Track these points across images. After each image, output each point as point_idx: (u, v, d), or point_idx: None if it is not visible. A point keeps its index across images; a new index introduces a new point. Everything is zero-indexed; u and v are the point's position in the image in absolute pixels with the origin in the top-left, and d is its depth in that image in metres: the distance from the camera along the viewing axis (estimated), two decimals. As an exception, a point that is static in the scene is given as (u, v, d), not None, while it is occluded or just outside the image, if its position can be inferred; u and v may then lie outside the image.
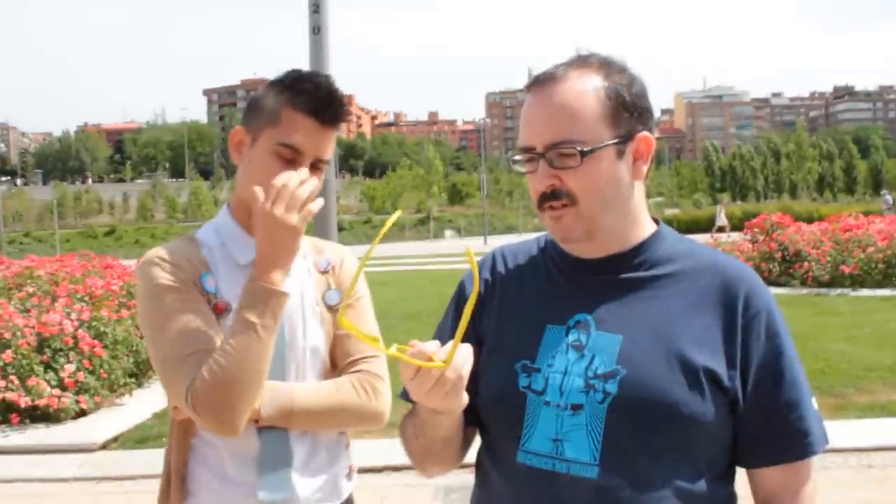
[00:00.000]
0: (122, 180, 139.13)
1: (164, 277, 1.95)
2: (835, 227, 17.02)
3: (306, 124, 1.96)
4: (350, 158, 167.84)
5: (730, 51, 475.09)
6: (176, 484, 2.00)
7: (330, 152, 2.03)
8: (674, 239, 1.68)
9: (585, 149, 1.54)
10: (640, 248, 1.64)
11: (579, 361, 1.57)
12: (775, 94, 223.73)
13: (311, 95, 1.97)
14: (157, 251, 2.02)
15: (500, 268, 1.78)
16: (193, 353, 1.85)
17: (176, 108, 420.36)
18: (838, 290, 14.94)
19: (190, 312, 1.91)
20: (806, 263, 15.51)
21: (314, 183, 1.92)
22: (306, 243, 2.17)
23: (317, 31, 5.91)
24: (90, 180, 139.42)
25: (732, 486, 1.65)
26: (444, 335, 1.69)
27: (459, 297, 1.81)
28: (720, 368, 1.53)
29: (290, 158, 1.95)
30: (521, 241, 1.85)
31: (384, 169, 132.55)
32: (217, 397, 1.80)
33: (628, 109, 1.57)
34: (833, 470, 5.80)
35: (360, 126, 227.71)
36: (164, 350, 1.89)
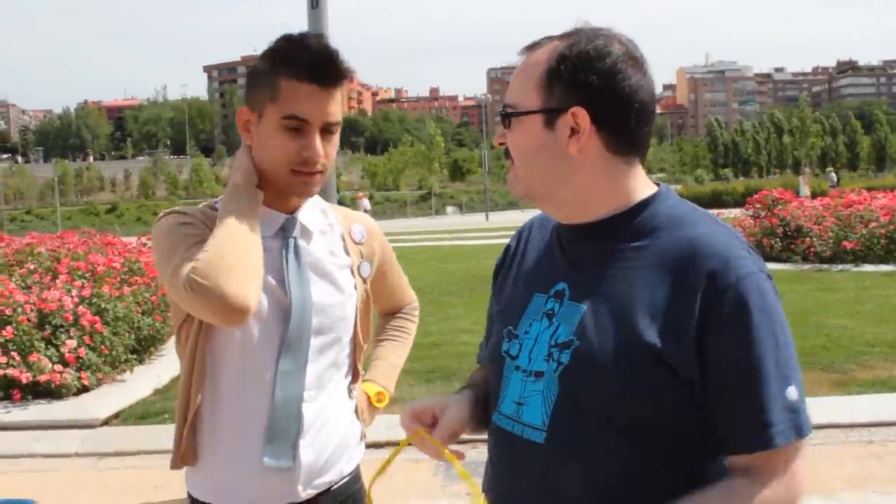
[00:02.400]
0: (123, 157, 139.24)
1: (179, 220, 2.01)
2: (837, 202, 16.97)
3: (306, 91, 1.95)
4: (351, 135, 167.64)
5: (732, 25, 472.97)
6: (188, 443, 2.06)
7: (338, 113, 2.01)
8: (667, 206, 1.61)
9: (509, 111, 1.62)
10: (624, 216, 1.60)
11: (548, 330, 1.59)
12: (778, 69, 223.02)
13: (305, 60, 1.95)
14: (176, 208, 2.08)
15: (524, 238, 1.85)
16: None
17: (176, 85, 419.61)
18: (840, 266, 14.88)
19: (201, 239, 1.93)
20: (808, 239, 15.47)
21: None
22: (335, 212, 2.25)
23: (315, 4, 5.86)
24: (91, 157, 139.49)
25: (697, 470, 1.53)
26: (489, 312, 1.87)
27: (494, 273, 1.91)
28: (670, 349, 1.46)
29: (298, 128, 1.96)
30: None
31: (385, 145, 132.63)
32: (217, 266, 1.82)
33: (563, 82, 1.55)
34: (834, 446, 5.79)
35: (361, 102, 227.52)
36: (173, 262, 1.91)
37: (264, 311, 1.99)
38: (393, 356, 2.48)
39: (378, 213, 59.13)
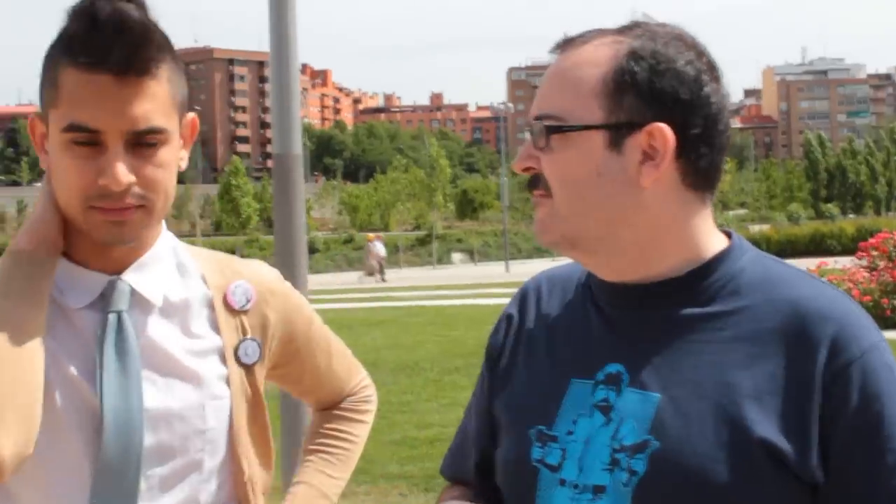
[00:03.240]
0: (16, 183, 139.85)
1: None
2: (983, 249, 16.99)
3: (89, 85, 1.69)
4: (325, 155, 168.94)
5: (839, 11, 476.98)
6: None
7: (153, 115, 1.73)
8: (749, 261, 1.63)
9: (553, 125, 1.57)
10: (697, 274, 1.60)
11: (605, 429, 1.56)
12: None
13: (87, 37, 1.67)
14: None
15: (532, 304, 1.81)
16: None
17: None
18: None
19: None
20: (943, 299, 15.50)
21: None
22: (204, 259, 2.00)
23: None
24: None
25: None
26: (481, 401, 1.85)
27: (490, 353, 1.86)
28: (786, 443, 1.46)
29: (86, 144, 1.70)
30: (566, 264, 1.84)
31: (371, 170, 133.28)
32: None
33: (638, 90, 1.54)
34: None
35: (338, 112, 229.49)
36: None
37: (65, 427, 1.74)
38: (320, 479, 2.16)
39: (360, 260, 59.28)
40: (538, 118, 1.59)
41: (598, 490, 1.53)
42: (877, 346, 1.50)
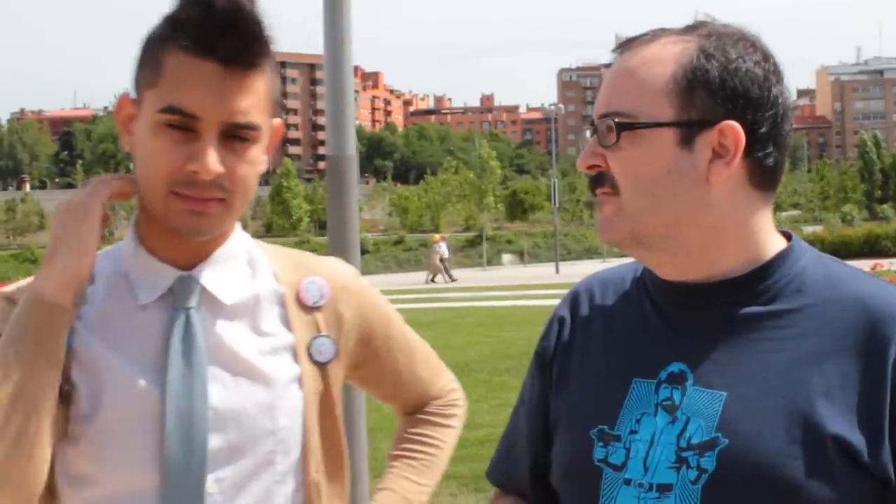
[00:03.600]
0: (70, 185, 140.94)
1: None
2: None
3: (196, 70, 1.67)
4: (376, 157, 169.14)
5: (894, 12, 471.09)
6: None
7: (252, 111, 1.72)
8: (809, 261, 1.64)
9: (626, 122, 1.58)
10: (759, 273, 1.61)
11: (670, 427, 1.58)
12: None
13: (200, 22, 1.65)
14: (20, 284, 1.85)
15: (584, 306, 1.83)
16: None
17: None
18: None
19: None
20: None
21: None
22: (276, 256, 1.97)
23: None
24: (28, 185, 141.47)
25: None
26: (532, 403, 1.86)
27: (542, 355, 1.87)
28: (858, 439, 1.47)
29: (184, 127, 1.69)
30: (616, 266, 1.87)
31: (421, 171, 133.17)
32: None
33: (710, 88, 1.55)
34: None
35: (388, 114, 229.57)
36: None
37: (128, 429, 1.73)
38: (404, 485, 2.08)
39: (410, 261, 59.29)
40: (605, 115, 1.60)
41: (665, 489, 1.54)
42: None
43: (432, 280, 44.20)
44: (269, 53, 1.72)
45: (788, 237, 1.68)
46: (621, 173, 1.60)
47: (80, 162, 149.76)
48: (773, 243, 1.64)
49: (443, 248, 45.74)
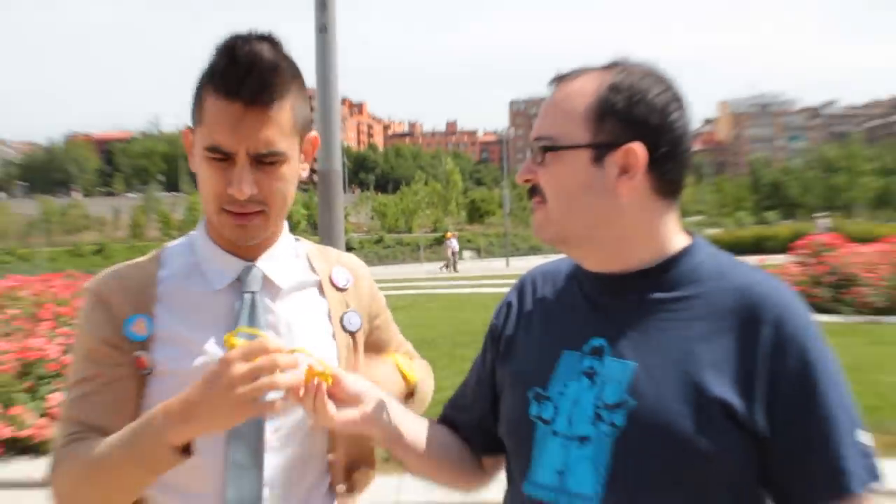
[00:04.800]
0: (111, 193, 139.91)
1: (86, 318, 1.82)
2: (893, 248, 16.90)
3: (228, 112, 1.70)
4: (361, 171, 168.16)
5: (779, 55, 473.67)
6: None
7: (275, 140, 1.73)
8: (706, 256, 1.66)
9: (549, 145, 1.61)
10: (664, 265, 1.64)
11: (590, 390, 1.60)
12: (829, 103, 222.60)
13: (226, 70, 1.69)
14: (102, 276, 1.88)
15: (528, 293, 1.85)
16: (71, 434, 1.75)
17: (171, 116, 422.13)
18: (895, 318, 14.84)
19: (87, 373, 1.78)
20: (860, 288, 15.41)
21: (294, 376, 1.59)
22: (311, 250, 2.02)
23: (323, 29, 5.99)
24: (78, 194, 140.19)
25: None
26: (481, 374, 1.90)
27: (493, 331, 1.90)
28: (738, 402, 1.50)
29: (221, 160, 1.73)
30: (555, 260, 1.88)
31: (398, 183, 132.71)
32: (66, 498, 1.72)
33: (617, 115, 1.57)
34: (885, 514, 5.77)
35: (371, 136, 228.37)
36: (66, 397, 1.81)
37: None
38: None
39: (389, 256, 59.22)
40: (537, 139, 1.63)
41: (584, 439, 1.57)
42: (809, 323, 1.56)
43: (445, 268, 43.64)
44: (287, 88, 1.73)
45: (692, 235, 1.71)
46: (547, 186, 1.63)
47: (118, 174, 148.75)
48: (678, 241, 1.66)
49: (454, 244, 45.18)
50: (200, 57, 1.76)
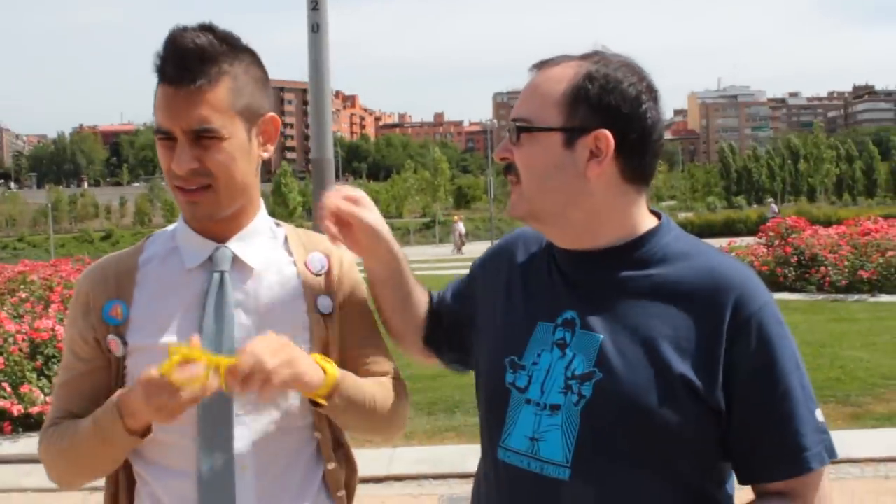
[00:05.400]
0: (118, 183, 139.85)
1: (70, 312, 1.89)
2: (853, 230, 16.98)
3: (162, 95, 1.72)
4: (353, 160, 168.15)
5: (746, 49, 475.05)
6: None
7: (210, 117, 1.70)
8: (673, 237, 1.64)
9: (523, 126, 1.60)
10: (632, 245, 1.62)
11: (561, 361, 1.59)
12: (792, 94, 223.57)
13: (161, 57, 1.71)
14: (87, 270, 1.92)
15: (515, 251, 1.83)
16: (54, 418, 1.85)
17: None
18: (856, 296, 14.85)
19: (70, 363, 1.86)
20: (823, 268, 15.47)
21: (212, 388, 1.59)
22: (291, 234, 1.97)
23: (315, 28, 5.96)
24: (86, 184, 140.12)
25: (724, 499, 1.60)
26: (455, 292, 1.97)
27: (472, 273, 1.94)
28: (699, 378, 1.49)
29: (166, 140, 1.74)
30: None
31: (388, 171, 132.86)
32: (52, 472, 1.85)
33: (589, 102, 1.55)
34: (849, 480, 5.78)
35: (363, 127, 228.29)
36: (56, 382, 1.92)
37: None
38: (363, 381, 1.90)
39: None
40: (514, 120, 1.62)
41: (555, 408, 1.56)
42: (769, 304, 1.54)
43: (459, 252, 43.11)
44: (218, 71, 1.71)
45: (660, 217, 1.68)
46: (521, 165, 1.62)
47: (125, 165, 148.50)
48: (646, 223, 1.65)
49: (460, 226, 45.08)
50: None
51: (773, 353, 1.50)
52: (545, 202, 1.61)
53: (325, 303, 1.89)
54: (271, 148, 1.87)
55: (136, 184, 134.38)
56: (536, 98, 1.61)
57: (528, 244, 1.82)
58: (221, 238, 1.84)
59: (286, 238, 1.95)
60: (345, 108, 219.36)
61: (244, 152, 1.78)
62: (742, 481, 1.58)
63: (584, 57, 1.62)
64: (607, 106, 1.55)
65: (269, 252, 1.90)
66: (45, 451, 1.83)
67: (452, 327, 1.91)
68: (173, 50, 1.68)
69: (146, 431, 1.70)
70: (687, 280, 1.56)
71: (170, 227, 1.95)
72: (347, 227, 1.82)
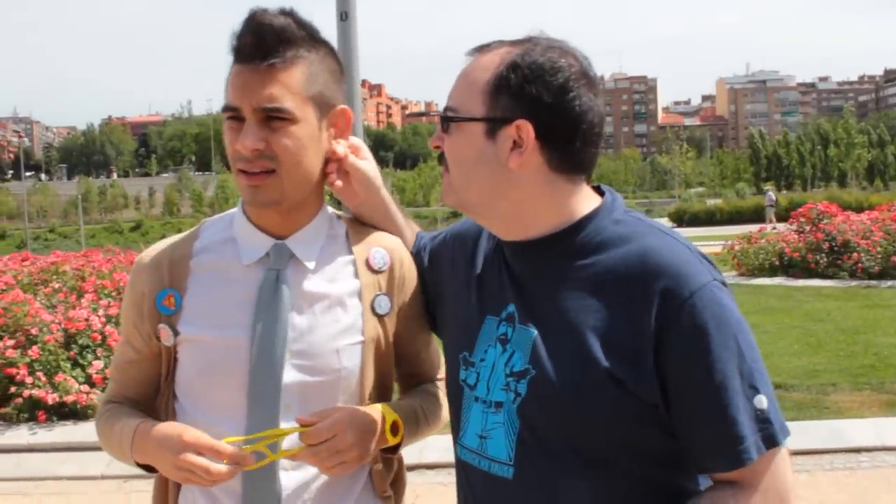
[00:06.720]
0: (147, 174, 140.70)
1: (129, 291, 1.86)
2: (885, 216, 16.78)
3: (235, 73, 1.69)
4: (380, 149, 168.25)
5: (775, 33, 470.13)
6: None
7: (281, 97, 1.66)
8: (610, 221, 1.58)
9: (448, 115, 1.58)
10: (563, 233, 1.57)
11: (503, 357, 1.57)
12: (822, 79, 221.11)
13: (237, 36, 1.68)
14: (147, 252, 1.89)
15: (479, 238, 1.78)
16: (109, 399, 1.95)
17: (202, 100, 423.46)
18: (889, 282, 14.68)
19: (123, 349, 1.91)
20: (855, 254, 15.31)
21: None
22: (352, 229, 1.90)
23: (344, 17, 5.93)
24: (115, 174, 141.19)
25: (677, 490, 1.53)
26: (431, 253, 1.92)
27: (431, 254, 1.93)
28: (625, 372, 1.44)
29: (234, 120, 1.70)
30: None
31: (415, 160, 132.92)
32: (103, 446, 1.93)
33: (511, 92, 1.52)
34: (885, 469, 5.73)
35: (390, 116, 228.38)
36: (112, 365, 1.99)
37: (226, 358, 1.75)
38: (417, 404, 1.92)
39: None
40: (445, 109, 1.61)
41: (499, 405, 1.56)
42: (705, 287, 1.46)
43: None
44: (295, 53, 1.67)
45: (604, 199, 1.63)
46: (448, 155, 1.62)
47: (153, 156, 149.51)
48: (581, 210, 1.59)
49: None
50: (225, 45, 1.74)
51: (705, 341, 1.42)
52: (471, 192, 1.60)
53: (382, 302, 1.84)
54: (344, 143, 1.82)
55: (165, 174, 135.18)
56: (463, 87, 1.59)
57: (457, 237, 1.82)
58: (280, 233, 1.80)
59: (347, 234, 1.88)
60: (371, 97, 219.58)
61: (313, 140, 1.73)
62: (695, 472, 1.53)
63: (515, 43, 1.58)
64: (528, 96, 1.51)
65: (328, 251, 1.84)
66: (97, 426, 1.93)
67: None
68: (251, 27, 1.64)
69: (155, 468, 1.77)
70: (621, 268, 1.50)
71: (224, 215, 1.91)
72: (346, 177, 1.84)
